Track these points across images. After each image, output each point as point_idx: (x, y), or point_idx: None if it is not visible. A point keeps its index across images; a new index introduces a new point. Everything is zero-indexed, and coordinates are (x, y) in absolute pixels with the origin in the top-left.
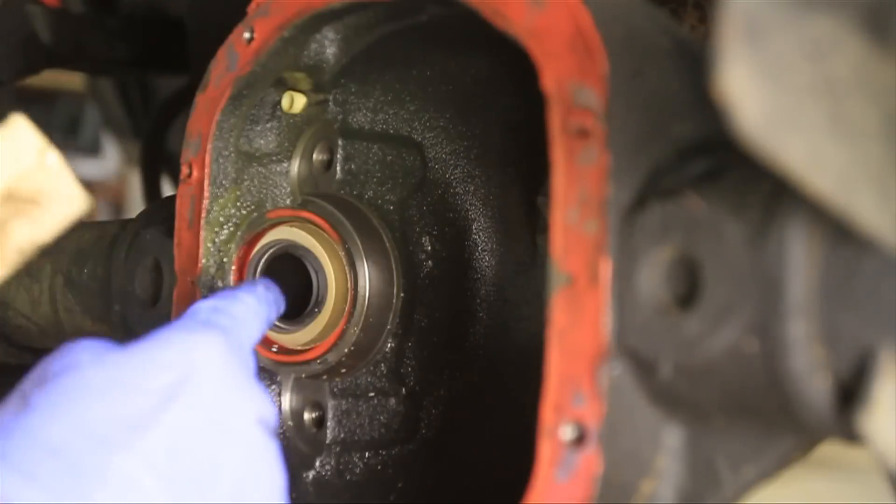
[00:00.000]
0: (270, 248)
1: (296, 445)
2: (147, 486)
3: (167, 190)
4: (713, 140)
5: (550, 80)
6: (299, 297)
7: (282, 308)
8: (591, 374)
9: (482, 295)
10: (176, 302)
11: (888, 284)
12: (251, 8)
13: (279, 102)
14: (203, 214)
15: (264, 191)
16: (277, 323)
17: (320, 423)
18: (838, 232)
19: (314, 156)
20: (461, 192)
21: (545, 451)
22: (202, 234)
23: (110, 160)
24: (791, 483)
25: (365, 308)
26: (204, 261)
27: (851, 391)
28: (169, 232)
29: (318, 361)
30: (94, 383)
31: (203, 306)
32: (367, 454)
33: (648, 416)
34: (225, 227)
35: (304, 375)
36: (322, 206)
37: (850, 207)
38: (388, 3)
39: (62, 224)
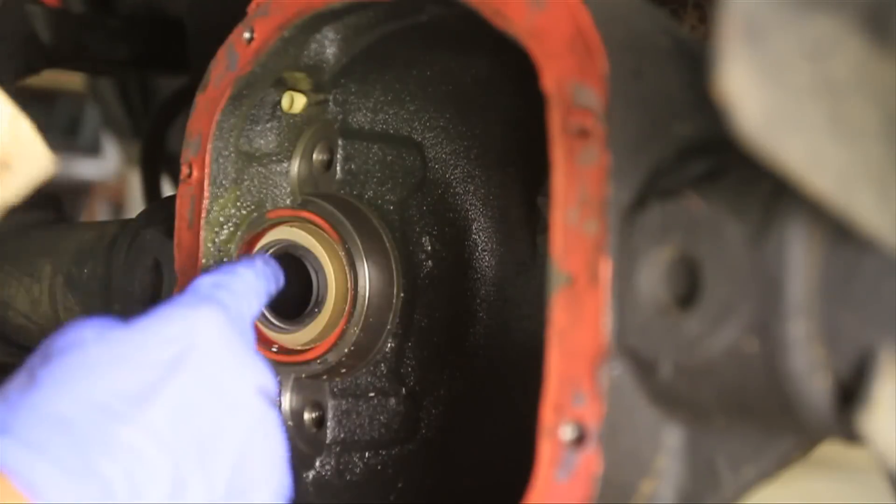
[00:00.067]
0: (270, 248)
1: (296, 445)
2: (151, 455)
3: (167, 190)
4: (713, 140)
5: (550, 80)
6: (299, 297)
7: (280, 282)
8: (591, 374)
9: (482, 295)
10: None
11: (888, 284)
12: (251, 8)
13: (279, 102)
14: (203, 214)
15: (264, 191)
16: (277, 323)
17: (320, 423)
18: (838, 232)
19: (314, 156)
20: (461, 192)
21: (545, 451)
22: (202, 234)
23: (110, 160)
24: (791, 483)
25: (365, 308)
26: (204, 261)
27: (851, 391)
28: (169, 232)
29: (318, 361)
30: (98, 359)
31: (204, 282)
32: (367, 454)
33: (648, 416)
34: (225, 227)
35: (304, 375)
36: (322, 206)
37: (850, 207)
38: (388, 3)
39: (31, 185)
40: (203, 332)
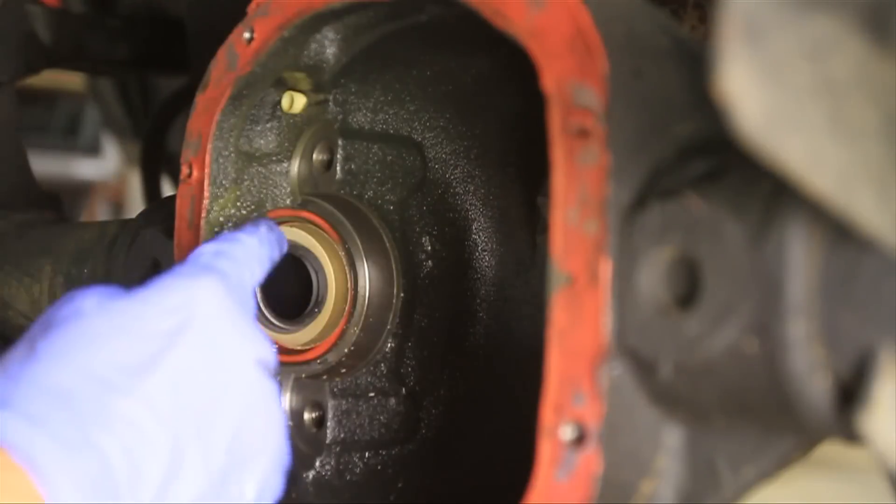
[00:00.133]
0: None
1: (296, 445)
2: (150, 428)
3: (167, 190)
4: (713, 140)
5: (550, 80)
6: (299, 297)
7: (284, 247)
8: (591, 374)
9: (482, 295)
10: None
11: (888, 284)
12: (251, 8)
13: (279, 102)
14: (203, 214)
15: (264, 191)
16: (277, 323)
17: (320, 423)
18: (838, 232)
19: (314, 156)
20: (461, 192)
21: (545, 451)
22: (202, 234)
23: (110, 160)
24: (791, 483)
25: (365, 308)
26: None
27: (851, 391)
28: (169, 232)
29: (318, 361)
30: (97, 329)
31: (206, 250)
32: (367, 454)
33: (648, 416)
34: (225, 227)
35: (304, 375)
36: (322, 206)
37: (850, 207)
38: (388, 3)
39: None
40: (203, 302)
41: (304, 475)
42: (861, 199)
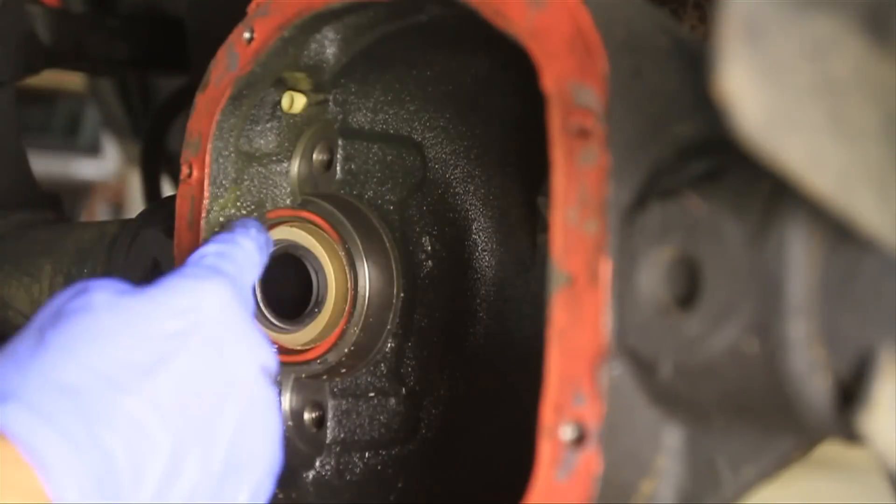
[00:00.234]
0: None
1: (296, 445)
2: (152, 427)
3: (167, 190)
4: (713, 140)
5: (550, 80)
6: (299, 297)
7: (271, 247)
8: (591, 374)
9: (482, 295)
10: None
11: (888, 284)
12: (251, 8)
13: (279, 102)
14: (203, 214)
15: (264, 191)
16: (277, 323)
17: (320, 423)
18: (838, 232)
19: (314, 156)
20: (461, 192)
21: (545, 451)
22: (202, 234)
23: (110, 160)
24: (791, 483)
25: (365, 308)
26: None
27: (851, 391)
28: (169, 232)
29: (318, 361)
30: (107, 327)
31: (209, 251)
32: (367, 454)
33: (648, 416)
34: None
35: (304, 375)
36: (322, 206)
37: (850, 207)
38: (388, 3)
39: None
40: (210, 305)
41: (304, 475)
42: (861, 199)
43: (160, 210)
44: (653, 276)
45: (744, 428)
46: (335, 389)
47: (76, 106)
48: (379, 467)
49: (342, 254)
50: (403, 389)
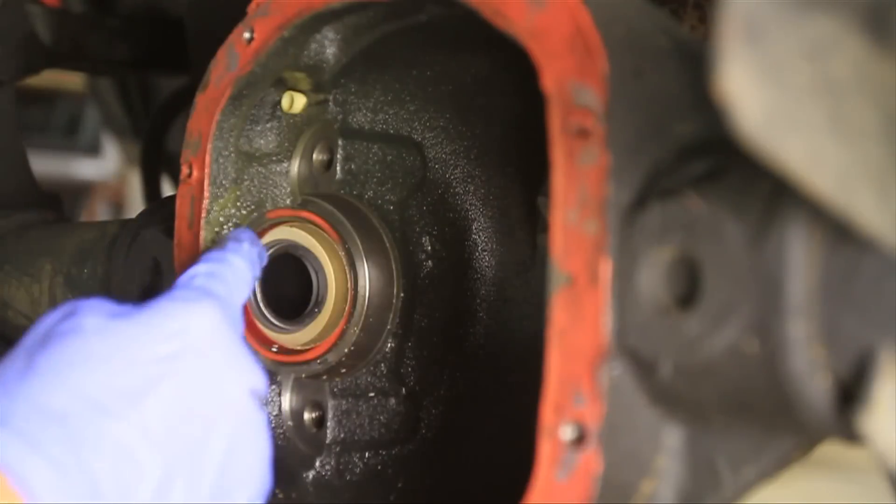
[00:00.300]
0: (270, 248)
1: (296, 445)
2: (140, 453)
3: (167, 190)
4: (713, 140)
5: (550, 80)
6: (299, 297)
7: (265, 260)
8: (591, 374)
9: (482, 295)
10: None
11: (888, 284)
12: (251, 8)
13: (279, 102)
14: (203, 214)
15: (264, 191)
16: (277, 323)
17: (320, 423)
18: (838, 232)
19: (314, 156)
20: (461, 192)
21: (545, 451)
22: (202, 234)
23: (110, 160)
24: (791, 483)
25: (365, 308)
26: None
27: (851, 391)
28: (169, 232)
29: (318, 361)
30: (96, 351)
31: (199, 272)
32: (367, 454)
33: (648, 416)
34: (225, 227)
35: (304, 375)
36: (322, 206)
37: (850, 207)
38: (387, 3)
39: None
40: (200, 328)
41: (304, 475)
42: (861, 199)
43: (160, 210)
44: (653, 276)
45: (744, 428)
46: (335, 389)
47: (76, 106)
48: (379, 467)
49: (342, 254)
50: (403, 389)
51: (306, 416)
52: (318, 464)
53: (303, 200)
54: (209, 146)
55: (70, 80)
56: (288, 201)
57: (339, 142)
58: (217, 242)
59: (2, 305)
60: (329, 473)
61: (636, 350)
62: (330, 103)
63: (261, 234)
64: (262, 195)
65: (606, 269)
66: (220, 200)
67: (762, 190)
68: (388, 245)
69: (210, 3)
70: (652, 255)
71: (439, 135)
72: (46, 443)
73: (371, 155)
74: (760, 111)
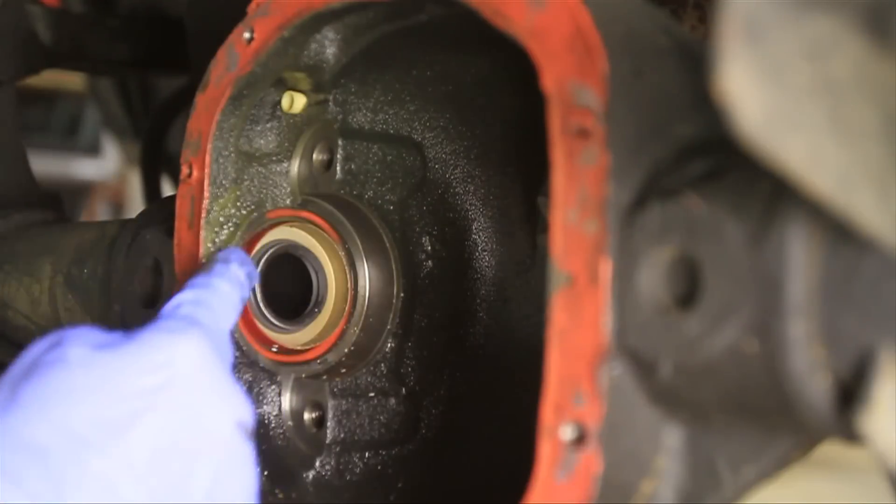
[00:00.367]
0: (270, 248)
1: (296, 445)
2: (124, 487)
3: (167, 190)
4: (713, 140)
5: (550, 80)
6: (299, 297)
7: (255, 280)
8: (591, 374)
9: (482, 295)
10: None
11: (888, 285)
12: (251, 8)
13: (279, 102)
14: (203, 214)
15: (264, 191)
16: (277, 323)
17: (320, 423)
18: (838, 232)
19: (314, 156)
20: (461, 192)
21: (545, 451)
22: (202, 234)
23: (110, 160)
24: (791, 483)
25: (365, 308)
26: (204, 261)
27: (851, 391)
28: (169, 232)
29: (318, 361)
30: (80, 384)
31: (185, 300)
32: (367, 454)
33: (648, 416)
34: (225, 227)
35: (304, 375)
36: (322, 206)
37: (850, 207)
38: (388, 3)
39: None
40: (185, 360)
41: (304, 475)
42: (861, 199)
43: (160, 210)
44: (653, 276)
45: (744, 428)
46: (335, 389)
47: (76, 106)
48: (379, 467)
49: (342, 254)
50: (403, 389)
51: (306, 416)
52: (318, 464)
53: (303, 200)
54: (209, 146)
55: (70, 80)
56: (288, 201)
57: (339, 142)
58: (204, 265)
59: (2, 305)
60: (329, 473)
61: (636, 350)
62: (330, 103)
63: (261, 234)
64: (262, 195)
65: (606, 269)
66: (220, 200)
67: (762, 190)
68: (388, 245)
69: (210, 3)
70: (652, 255)
71: (439, 135)
72: (28, 479)
73: (371, 155)
74: (760, 111)
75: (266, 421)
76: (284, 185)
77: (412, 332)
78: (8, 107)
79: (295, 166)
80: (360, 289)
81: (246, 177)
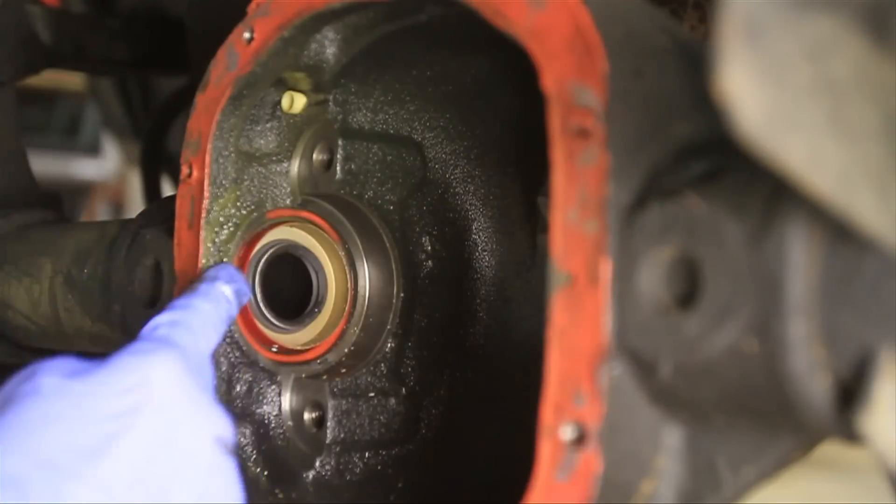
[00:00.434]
0: (270, 248)
1: (296, 445)
2: None
3: (167, 190)
4: (713, 140)
5: (550, 79)
6: (299, 297)
7: (247, 297)
8: (591, 374)
9: (482, 295)
10: None
11: (888, 285)
12: (251, 8)
13: (279, 102)
14: (203, 214)
15: (264, 191)
16: (277, 323)
17: (320, 423)
18: (838, 232)
19: (314, 156)
20: (461, 192)
21: (545, 451)
22: (202, 234)
23: (110, 160)
24: (791, 483)
25: (365, 308)
26: (204, 261)
27: (851, 391)
28: (169, 232)
29: (318, 361)
30: (53, 412)
31: (162, 321)
32: (367, 454)
33: (648, 416)
34: (225, 227)
35: (304, 375)
36: (322, 206)
37: (850, 207)
38: (388, 3)
39: None
40: (159, 380)
41: (304, 475)
42: (861, 199)
43: (160, 210)
44: (653, 276)
45: (744, 428)
46: (335, 389)
47: (76, 106)
48: (379, 467)
49: (342, 254)
50: (403, 389)
51: (306, 416)
52: (318, 464)
53: (303, 200)
54: (209, 146)
55: (70, 80)
56: (288, 201)
57: (339, 142)
58: (191, 284)
59: (2, 305)
60: (329, 473)
61: (636, 350)
62: (330, 103)
63: (261, 234)
64: (262, 195)
65: (606, 268)
66: (220, 200)
67: (762, 190)
68: (388, 245)
69: (210, 3)
70: (652, 255)
71: (439, 135)
72: None
73: (371, 155)
74: (760, 111)
75: (266, 421)
76: (284, 185)
77: (412, 332)
78: (8, 107)
79: (295, 166)
80: (360, 289)
81: (246, 177)
